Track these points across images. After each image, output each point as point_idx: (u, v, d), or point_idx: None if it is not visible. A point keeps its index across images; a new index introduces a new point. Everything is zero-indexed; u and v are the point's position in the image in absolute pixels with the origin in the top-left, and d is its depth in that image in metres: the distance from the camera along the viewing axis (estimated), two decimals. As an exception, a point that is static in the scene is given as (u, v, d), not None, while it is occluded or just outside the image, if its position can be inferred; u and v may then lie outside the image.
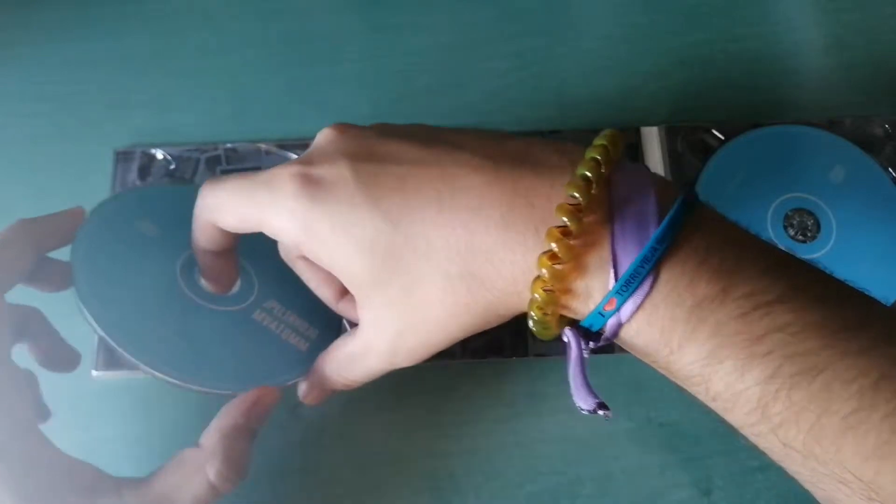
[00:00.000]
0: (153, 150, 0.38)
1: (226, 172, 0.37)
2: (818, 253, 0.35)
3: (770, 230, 0.35)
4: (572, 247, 0.19)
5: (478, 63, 0.41)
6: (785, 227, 0.35)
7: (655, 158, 0.37)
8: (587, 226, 0.19)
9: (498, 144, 0.22)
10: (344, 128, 0.23)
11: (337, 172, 0.21)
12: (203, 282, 0.29)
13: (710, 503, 0.31)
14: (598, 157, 0.20)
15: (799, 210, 0.36)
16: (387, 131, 0.23)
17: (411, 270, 0.21)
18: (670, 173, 0.37)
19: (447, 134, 0.23)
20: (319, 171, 0.22)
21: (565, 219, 0.19)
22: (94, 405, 0.34)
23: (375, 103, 0.40)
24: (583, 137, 0.38)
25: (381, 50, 0.41)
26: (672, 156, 0.37)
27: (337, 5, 0.43)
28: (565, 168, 0.20)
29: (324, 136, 0.23)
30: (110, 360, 0.34)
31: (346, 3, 0.43)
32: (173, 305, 0.27)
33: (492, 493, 0.31)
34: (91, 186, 0.37)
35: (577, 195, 0.19)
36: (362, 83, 0.40)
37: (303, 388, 0.28)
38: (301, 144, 0.38)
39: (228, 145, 0.38)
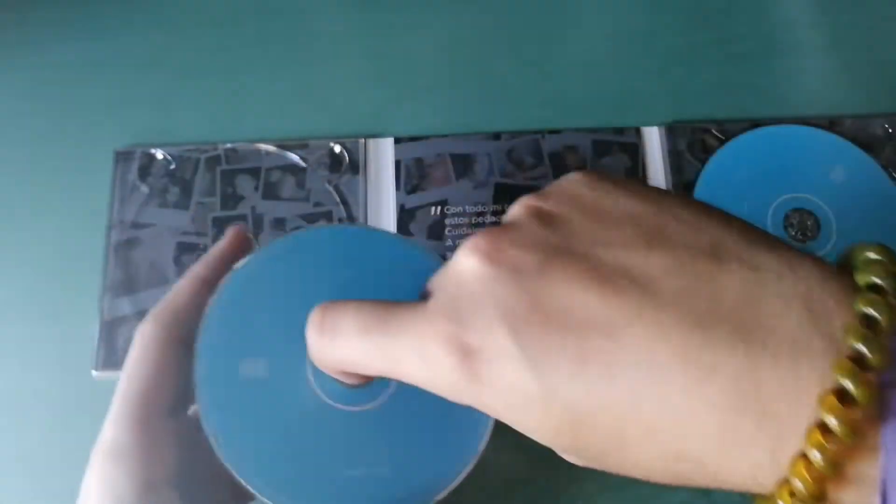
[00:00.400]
0: (153, 150, 0.38)
1: (226, 172, 0.37)
2: (818, 253, 0.35)
3: (770, 230, 0.35)
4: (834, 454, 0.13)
5: (478, 63, 0.41)
6: (785, 227, 0.35)
7: (655, 158, 0.38)
8: (853, 424, 0.13)
9: (710, 287, 0.15)
10: (493, 249, 0.17)
11: (496, 346, 0.16)
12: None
13: (710, 503, 0.31)
14: (879, 319, 0.14)
15: (799, 210, 0.36)
16: (552, 256, 0.17)
17: (608, 459, 0.17)
18: (670, 173, 0.37)
19: (641, 257, 0.16)
20: (474, 338, 0.16)
21: (825, 444, 0.13)
22: (94, 405, 0.34)
23: (375, 103, 0.40)
24: (583, 137, 0.38)
25: (381, 50, 0.41)
26: (672, 156, 0.37)
27: (337, 5, 0.43)
28: (815, 345, 0.14)
29: (465, 264, 0.17)
30: (110, 360, 0.34)
31: (346, 3, 0.43)
32: (305, 412, 0.23)
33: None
34: (91, 186, 0.37)
35: (850, 389, 0.13)
36: (362, 83, 0.40)
37: None
38: (301, 145, 0.38)
39: (228, 145, 0.38)
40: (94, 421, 0.34)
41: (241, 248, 0.27)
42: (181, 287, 0.25)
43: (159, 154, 0.38)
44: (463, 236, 0.37)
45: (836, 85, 0.40)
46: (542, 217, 0.17)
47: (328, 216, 0.37)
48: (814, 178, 0.36)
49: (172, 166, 0.37)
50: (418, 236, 0.36)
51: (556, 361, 0.15)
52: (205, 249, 0.36)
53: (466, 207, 0.37)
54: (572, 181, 0.18)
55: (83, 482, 0.23)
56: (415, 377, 0.17)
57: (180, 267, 0.36)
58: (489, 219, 0.37)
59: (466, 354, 0.16)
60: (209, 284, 0.25)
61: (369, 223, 0.37)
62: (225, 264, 0.26)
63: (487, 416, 0.22)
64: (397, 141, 0.38)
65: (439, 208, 0.37)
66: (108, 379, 0.34)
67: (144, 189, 0.37)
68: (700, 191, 0.36)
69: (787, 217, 0.36)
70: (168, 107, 0.40)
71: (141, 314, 0.35)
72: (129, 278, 0.35)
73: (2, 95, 0.40)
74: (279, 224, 0.36)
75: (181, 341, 0.24)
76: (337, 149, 0.38)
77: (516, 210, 0.18)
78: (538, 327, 0.16)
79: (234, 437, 0.22)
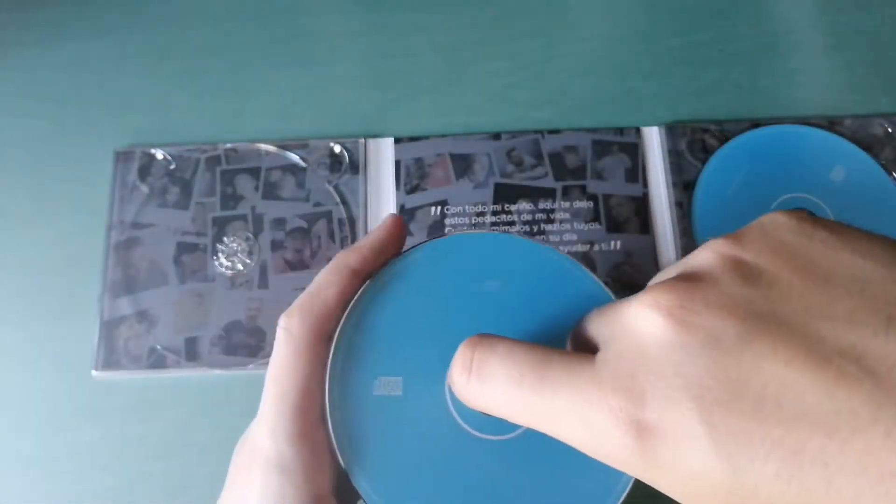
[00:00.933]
0: (153, 150, 0.38)
1: (226, 172, 0.37)
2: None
3: (770, 230, 0.35)
4: None
5: (478, 63, 0.41)
6: (785, 227, 0.35)
7: (655, 158, 0.38)
8: None
9: None
10: (683, 309, 0.14)
11: (681, 428, 0.14)
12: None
13: None
14: None
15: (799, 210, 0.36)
16: (758, 325, 0.14)
17: None
18: (670, 173, 0.37)
19: (877, 339, 0.13)
20: (654, 416, 0.14)
21: None
22: (94, 405, 0.34)
23: (375, 103, 0.40)
24: (583, 137, 0.38)
25: (381, 50, 0.41)
26: (672, 156, 0.37)
27: (337, 5, 0.43)
28: None
29: (646, 322, 0.15)
30: (110, 360, 0.34)
31: (346, 3, 0.43)
32: (439, 436, 0.21)
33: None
34: (91, 186, 0.37)
35: None
36: (362, 83, 0.40)
37: None
38: (301, 145, 0.38)
39: (228, 145, 0.38)
40: (93, 421, 0.34)
41: (399, 240, 0.23)
42: (329, 278, 0.22)
43: (159, 154, 0.38)
44: None
45: (836, 85, 0.40)
46: (742, 271, 0.14)
47: (328, 216, 0.37)
48: (814, 178, 0.36)
49: (172, 166, 0.37)
50: (418, 236, 0.36)
51: (757, 455, 0.13)
52: (205, 250, 0.36)
53: (466, 207, 0.37)
54: (778, 224, 0.15)
55: (236, 491, 0.21)
56: (573, 440, 0.16)
57: (180, 267, 0.36)
58: (489, 219, 0.37)
59: (642, 432, 0.14)
60: (360, 278, 0.22)
61: (369, 223, 0.37)
62: (378, 257, 0.23)
63: (616, 487, 0.21)
64: (397, 141, 0.38)
65: (439, 208, 0.37)
66: (107, 379, 0.34)
67: (144, 189, 0.37)
68: (700, 191, 0.36)
69: (787, 217, 0.36)
70: (168, 107, 0.40)
71: (141, 314, 0.35)
72: (128, 278, 0.35)
73: (2, 95, 0.40)
74: (279, 224, 0.36)
75: (330, 339, 0.22)
76: (337, 149, 0.38)
77: (708, 258, 0.15)
78: (736, 413, 0.13)
79: (363, 458, 0.21)
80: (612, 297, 0.22)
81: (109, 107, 0.39)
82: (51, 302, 0.36)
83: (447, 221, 0.37)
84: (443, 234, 0.23)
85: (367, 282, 0.22)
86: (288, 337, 0.21)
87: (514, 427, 0.21)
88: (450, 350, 0.21)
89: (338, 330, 0.21)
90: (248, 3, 0.43)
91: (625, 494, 0.20)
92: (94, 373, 0.34)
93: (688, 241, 0.35)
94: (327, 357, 0.21)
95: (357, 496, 0.20)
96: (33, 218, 0.37)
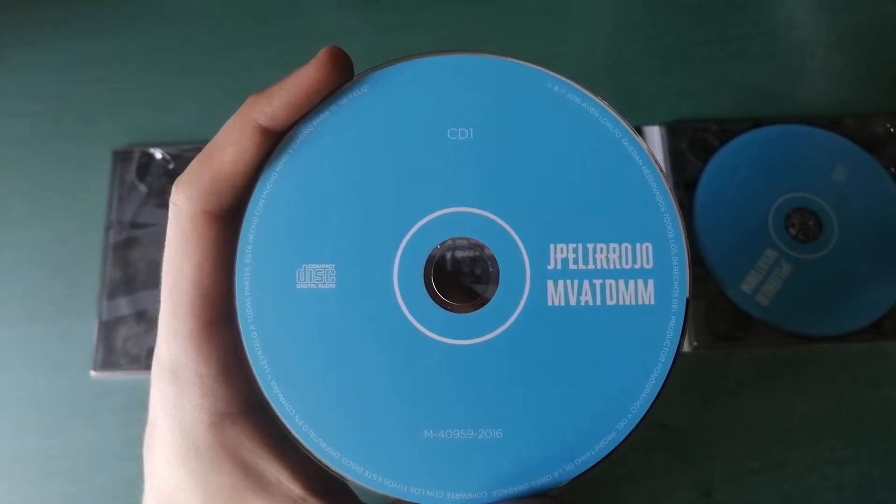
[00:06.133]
0: (152, 150, 0.37)
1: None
2: (820, 253, 0.35)
3: (772, 230, 0.35)
4: None
5: (478, 62, 0.41)
6: (786, 227, 0.35)
7: (656, 158, 0.37)
8: None
9: None
10: None
11: None
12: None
13: (712, 504, 0.31)
14: None
15: (800, 210, 0.36)
16: None
17: None
18: (671, 173, 0.37)
19: None
20: None
21: None
22: (94, 405, 0.34)
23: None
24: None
25: (381, 50, 0.41)
26: (673, 155, 0.37)
27: (337, 5, 0.43)
28: None
29: None
30: (108, 361, 0.34)
31: (346, 3, 0.43)
32: (386, 341, 0.17)
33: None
34: (89, 186, 0.37)
35: None
36: (362, 83, 0.40)
37: None
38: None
39: (228, 145, 0.38)
40: (92, 421, 0.34)
41: (333, 82, 0.17)
42: (227, 137, 0.17)
43: (158, 153, 0.37)
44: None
45: (838, 84, 0.40)
46: None
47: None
48: (815, 178, 0.36)
49: (171, 166, 0.37)
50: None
51: None
52: (204, 249, 0.36)
53: (466, 207, 0.37)
54: None
55: (150, 402, 0.17)
56: None
57: (179, 267, 0.35)
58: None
59: None
60: (271, 135, 0.17)
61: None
62: (298, 107, 0.17)
63: (646, 382, 0.16)
64: (397, 140, 0.38)
65: (439, 208, 0.37)
66: (106, 379, 0.34)
67: (143, 189, 0.37)
68: (701, 191, 0.36)
69: (788, 217, 0.35)
70: (167, 106, 0.39)
71: (140, 314, 0.34)
72: (127, 278, 0.35)
73: (1, 95, 0.40)
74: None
75: (233, 217, 0.17)
76: (336, 148, 0.38)
77: None
78: None
79: (283, 369, 0.16)
80: (639, 142, 0.18)
81: (108, 106, 0.39)
82: (49, 302, 0.35)
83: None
84: (389, 62, 0.17)
85: (286, 137, 0.17)
86: (173, 218, 0.17)
87: (485, 331, 0.17)
88: (401, 228, 0.17)
89: (248, 206, 0.17)
90: (248, 3, 0.43)
91: (631, 430, 0.16)
92: (92, 373, 0.34)
93: (689, 241, 0.35)
94: (232, 240, 0.17)
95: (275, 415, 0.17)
96: (31, 217, 0.37)
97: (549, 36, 0.41)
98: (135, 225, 0.36)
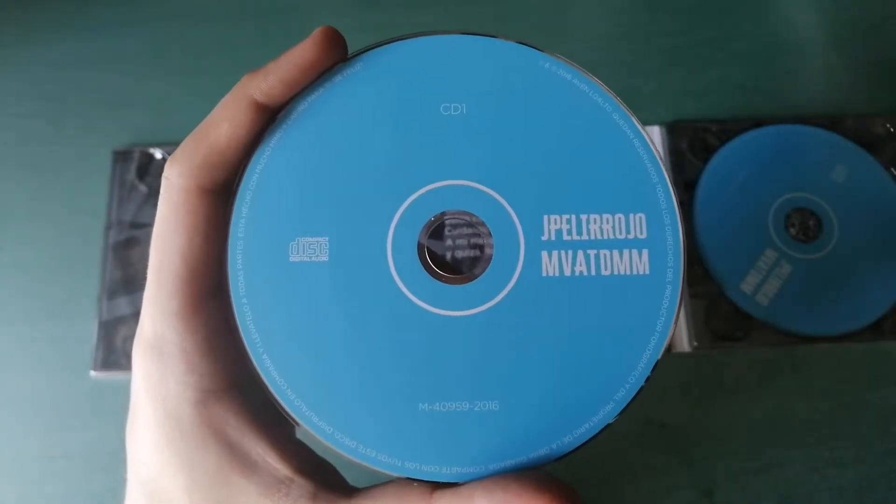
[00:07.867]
0: (152, 150, 0.37)
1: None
2: (820, 253, 0.35)
3: (772, 230, 0.35)
4: None
5: (478, 62, 0.41)
6: (786, 227, 0.35)
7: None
8: None
9: None
10: None
11: None
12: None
13: (712, 504, 0.31)
14: None
15: (800, 210, 0.36)
16: None
17: None
18: (671, 173, 0.37)
19: None
20: None
21: None
22: (94, 405, 0.34)
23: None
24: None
25: (381, 49, 0.41)
26: (673, 155, 0.37)
27: (336, 5, 0.43)
28: None
29: None
30: (109, 361, 0.34)
31: (346, 3, 0.43)
32: (380, 314, 0.17)
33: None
34: (89, 186, 0.37)
35: None
36: (362, 83, 0.40)
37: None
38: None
39: (228, 145, 0.38)
40: (92, 421, 0.34)
41: (327, 61, 0.17)
42: (222, 113, 0.17)
43: (158, 153, 0.37)
44: (463, 236, 0.36)
45: (838, 84, 0.40)
46: None
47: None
48: (815, 178, 0.36)
49: (171, 166, 0.37)
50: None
51: None
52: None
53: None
54: None
55: (132, 384, 0.17)
56: None
57: (179, 267, 0.35)
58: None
59: None
60: (266, 111, 0.17)
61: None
62: (293, 84, 0.17)
63: (644, 350, 0.16)
64: (397, 140, 0.38)
65: (439, 208, 0.37)
66: (106, 379, 0.34)
67: (143, 188, 0.37)
68: (701, 190, 0.36)
69: (788, 217, 0.35)
70: (167, 106, 0.39)
71: (139, 315, 0.34)
72: (127, 278, 0.35)
73: (1, 95, 0.40)
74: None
75: (225, 192, 0.17)
76: (336, 148, 0.38)
77: None
78: None
79: (274, 343, 0.16)
80: (630, 116, 0.18)
81: (108, 106, 0.39)
82: (49, 302, 0.35)
83: (447, 221, 0.36)
84: (383, 42, 0.18)
85: (280, 114, 0.17)
86: (165, 193, 0.17)
87: (480, 302, 0.16)
88: (395, 201, 0.17)
89: (241, 180, 0.17)
90: (248, 3, 0.43)
91: (625, 406, 0.17)
92: (92, 373, 0.34)
93: (689, 241, 0.35)
94: (225, 214, 0.17)
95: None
96: (31, 217, 0.37)
97: (549, 36, 0.41)
98: (135, 225, 0.36)
